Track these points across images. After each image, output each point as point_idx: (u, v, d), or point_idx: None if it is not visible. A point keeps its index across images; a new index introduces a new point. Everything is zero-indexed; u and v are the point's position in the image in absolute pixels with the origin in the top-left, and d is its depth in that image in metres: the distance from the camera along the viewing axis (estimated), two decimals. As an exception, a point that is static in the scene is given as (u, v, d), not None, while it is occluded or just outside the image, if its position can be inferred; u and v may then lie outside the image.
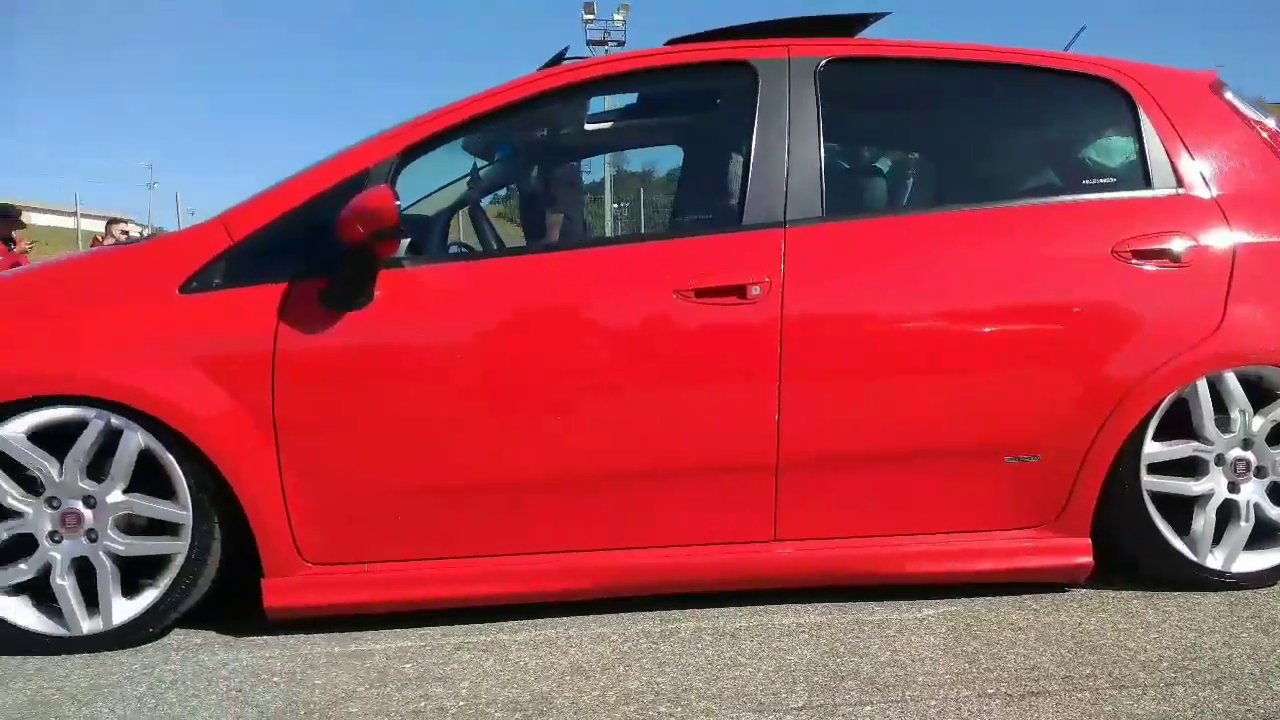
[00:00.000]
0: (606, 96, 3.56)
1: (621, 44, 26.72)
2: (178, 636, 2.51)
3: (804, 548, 2.58)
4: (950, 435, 2.56)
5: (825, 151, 2.64)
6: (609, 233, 13.23)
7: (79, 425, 2.36)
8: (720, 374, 2.53)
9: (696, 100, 3.19)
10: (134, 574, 2.46)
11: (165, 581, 2.43)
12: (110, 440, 2.37)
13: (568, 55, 3.09)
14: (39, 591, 2.44)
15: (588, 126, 3.43)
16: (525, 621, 2.55)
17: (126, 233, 10.33)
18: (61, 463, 2.36)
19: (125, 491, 2.39)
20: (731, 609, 2.61)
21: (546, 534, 2.54)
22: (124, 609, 2.42)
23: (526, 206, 3.60)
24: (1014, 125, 3.10)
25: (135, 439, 2.36)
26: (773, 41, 2.77)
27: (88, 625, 2.41)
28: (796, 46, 2.75)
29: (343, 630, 2.51)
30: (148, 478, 2.40)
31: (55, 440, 2.37)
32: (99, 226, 15.49)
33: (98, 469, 2.39)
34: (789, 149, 2.63)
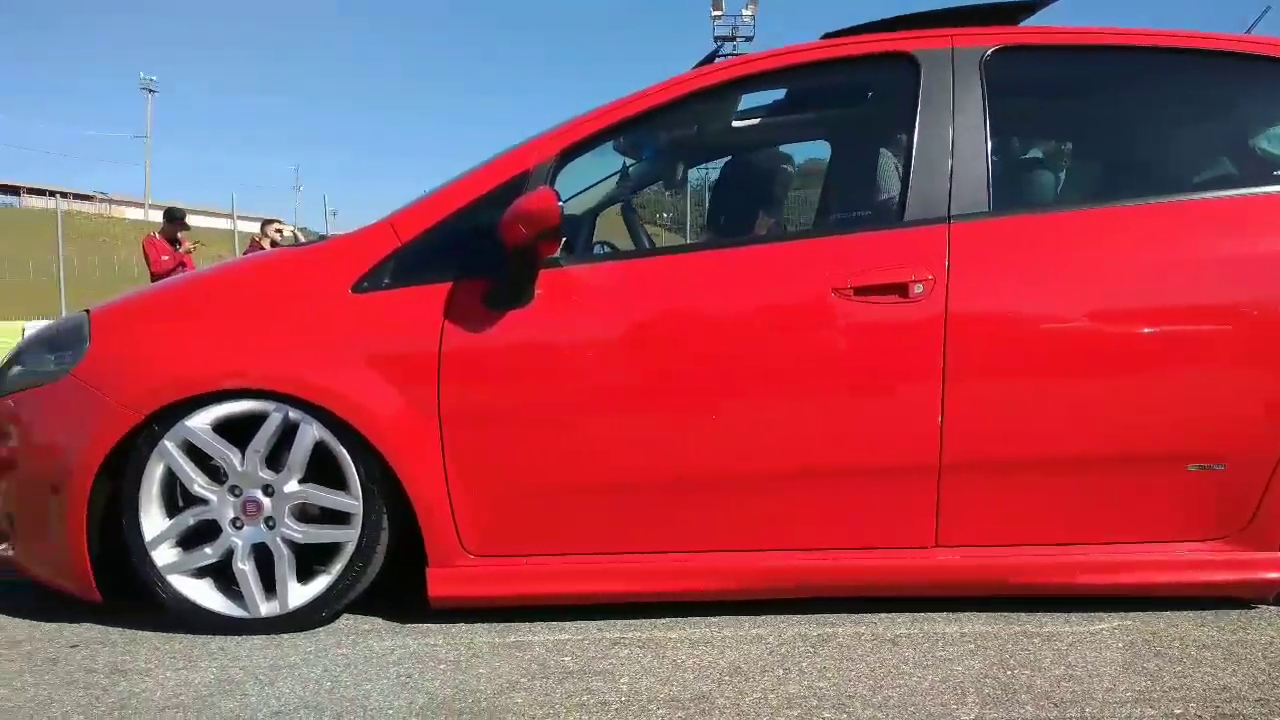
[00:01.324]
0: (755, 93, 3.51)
1: (750, 40, 26.61)
2: (347, 621, 2.62)
3: (967, 555, 2.50)
4: (1126, 441, 2.44)
5: (992, 144, 2.55)
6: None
7: (259, 418, 2.48)
8: (880, 374, 2.47)
9: (853, 94, 3.12)
10: (307, 561, 2.57)
11: (337, 568, 2.53)
12: (288, 433, 2.49)
13: (720, 54, 3.07)
14: (220, 575, 2.58)
15: (736, 124, 3.40)
16: (679, 619, 2.56)
17: (280, 231, 10.83)
18: (243, 453, 2.49)
19: (301, 481, 2.51)
20: (889, 615, 2.56)
21: (701, 533, 2.53)
22: (299, 594, 2.54)
23: (724, 205, 3.51)
24: (1194, 114, 2.93)
25: (311, 432, 2.47)
26: (934, 32, 2.69)
27: (265, 608, 2.53)
28: (959, 36, 2.66)
29: (502, 620, 2.57)
30: (321, 469, 2.51)
31: (237, 432, 2.50)
32: (250, 227, 16.32)
33: (276, 460, 2.51)
34: (953, 142, 2.55)
